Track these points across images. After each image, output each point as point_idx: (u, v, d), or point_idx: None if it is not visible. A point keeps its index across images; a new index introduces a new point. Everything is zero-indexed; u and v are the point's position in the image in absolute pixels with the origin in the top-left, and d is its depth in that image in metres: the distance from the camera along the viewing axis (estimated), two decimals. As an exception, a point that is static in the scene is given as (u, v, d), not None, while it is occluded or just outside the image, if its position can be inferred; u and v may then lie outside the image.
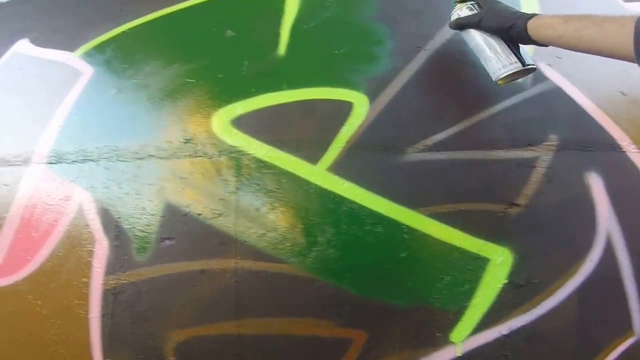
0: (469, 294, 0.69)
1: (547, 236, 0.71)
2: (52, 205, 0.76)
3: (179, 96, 0.75)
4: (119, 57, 0.85)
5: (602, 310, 0.72)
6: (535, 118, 0.73)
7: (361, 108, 0.70)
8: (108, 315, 0.72)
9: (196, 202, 0.70)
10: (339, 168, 0.68)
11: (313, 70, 0.73)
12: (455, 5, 0.69)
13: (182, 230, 0.70)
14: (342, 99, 0.70)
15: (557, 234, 0.72)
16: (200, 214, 0.69)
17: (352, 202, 0.68)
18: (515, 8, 0.65)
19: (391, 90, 0.71)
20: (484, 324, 0.69)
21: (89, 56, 0.87)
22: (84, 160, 0.76)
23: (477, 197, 0.70)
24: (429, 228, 0.68)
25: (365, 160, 0.69)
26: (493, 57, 0.65)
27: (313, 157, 0.69)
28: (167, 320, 0.71)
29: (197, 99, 0.74)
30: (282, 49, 0.76)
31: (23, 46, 0.96)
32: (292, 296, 0.69)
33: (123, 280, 0.71)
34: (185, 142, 0.72)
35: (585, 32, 0.53)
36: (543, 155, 0.72)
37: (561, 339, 0.73)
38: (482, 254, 0.69)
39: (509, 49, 0.64)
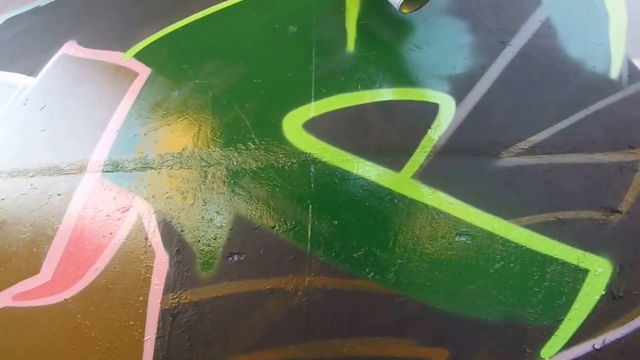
0: (565, 308, 0.62)
1: None
2: (108, 216, 0.71)
3: (246, 98, 0.70)
4: (176, 56, 0.81)
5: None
6: (637, 118, 0.65)
7: (447, 109, 0.63)
8: (165, 337, 0.66)
9: (268, 214, 0.64)
10: (426, 175, 0.62)
11: (390, 68, 0.67)
12: None
13: (252, 244, 0.63)
14: (425, 99, 0.64)
15: None
16: (272, 227, 0.63)
17: (440, 211, 0.61)
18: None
19: (479, 89, 0.64)
20: (577, 337, 0.62)
21: (142, 56, 0.83)
22: (144, 168, 0.71)
23: (576, 205, 0.63)
24: (525, 239, 0.61)
25: (455, 167, 0.62)
26: None
27: (396, 163, 0.62)
28: (229, 343, 0.64)
29: (266, 101, 0.69)
30: (351, 45, 0.70)
31: (71, 48, 0.93)
32: (368, 315, 0.61)
33: (184, 299, 0.65)
34: (255, 149, 0.66)
35: None
36: (646, 159, 0.64)
37: None
38: (581, 265, 0.62)
39: None
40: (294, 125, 0.67)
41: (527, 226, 0.60)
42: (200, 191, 0.67)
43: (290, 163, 0.65)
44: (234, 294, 0.64)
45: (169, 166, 0.70)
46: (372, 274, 0.60)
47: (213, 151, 0.68)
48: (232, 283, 0.64)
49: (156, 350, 0.66)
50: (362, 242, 0.61)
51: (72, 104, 0.84)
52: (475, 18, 0.71)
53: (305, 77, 0.70)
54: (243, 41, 0.79)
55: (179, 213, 0.67)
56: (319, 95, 0.67)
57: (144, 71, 0.79)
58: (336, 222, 0.62)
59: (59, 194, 0.77)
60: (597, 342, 0.62)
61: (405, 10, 0.63)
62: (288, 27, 0.77)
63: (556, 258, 0.61)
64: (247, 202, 0.65)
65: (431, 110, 0.64)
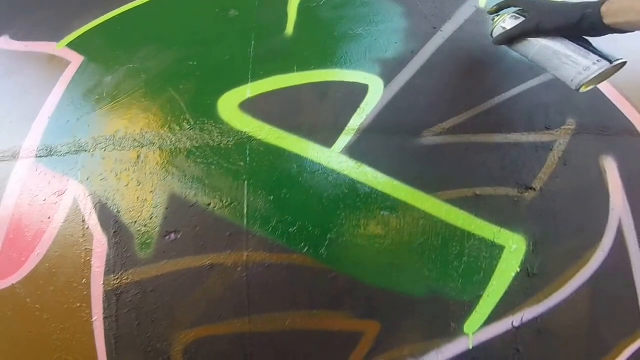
0: (483, 283, 0.67)
1: (559, 223, 0.69)
2: (45, 201, 0.71)
3: (181, 80, 0.71)
4: (110, 44, 0.80)
5: (612, 305, 0.71)
6: (554, 102, 0.72)
7: (376, 91, 0.67)
8: (112, 317, 0.67)
9: (204, 191, 0.65)
10: (354, 151, 0.65)
11: (325, 51, 0.70)
12: (494, 20, 0.64)
13: (189, 222, 0.65)
14: (356, 81, 0.67)
15: (569, 221, 0.70)
16: (209, 204, 0.65)
17: (367, 186, 0.65)
18: None
19: (407, 73, 0.68)
20: (496, 314, 0.67)
21: (76, 45, 0.82)
22: (77, 152, 0.71)
23: (493, 181, 0.68)
24: (445, 214, 0.66)
25: (381, 144, 0.66)
26: (567, 62, 0.55)
27: (327, 140, 0.66)
28: (175, 320, 0.66)
29: (201, 83, 0.70)
30: (290, 28, 0.72)
31: (3, 43, 0.90)
32: (304, 289, 0.65)
33: (126, 279, 0.66)
34: (190, 129, 0.67)
35: None
36: (560, 139, 0.70)
37: (571, 334, 0.72)
38: (497, 241, 0.67)
39: (583, 48, 0.55)
40: (229, 106, 0.68)
41: (447, 201, 0.65)
42: (134, 172, 0.68)
43: (225, 141, 0.66)
44: (174, 271, 0.66)
45: (102, 149, 0.70)
46: (306, 248, 0.64)
47: (146, 132, 0.69)
48: (171, 261, 0.66)
49: (106, 330, 0.67)
50: (296, 217, 0.64)
51: (1, 95, 0.82)
52: (412, 3, 0.75)
53: (243, 59, 0.71)
54: (181, 26, 0.79)
55: (114, 195, 0.68)
56: (256, 77, 0.69)
57: (76, 59, 0.78)
58: (272, 197, 0.64)
59: (-8, 184, 0.75)
60: (516, 319, 0.67)
61: (584, 89, 0.56)
62: (229, 11, 0.77)
63: (474, 233, 0.66)
64: (181, 181, 0.66)
65: (361, 91, 0.67)
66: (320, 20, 0.75)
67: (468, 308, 0.66)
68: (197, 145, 0.67)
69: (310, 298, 0.65)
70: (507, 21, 0.61)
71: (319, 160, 0.65)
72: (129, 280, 0.66)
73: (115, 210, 0.67)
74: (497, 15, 0.64)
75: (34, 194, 0.72)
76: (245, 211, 0.64)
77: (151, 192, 0.66)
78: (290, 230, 0.64)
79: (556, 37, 0.56)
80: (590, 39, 0.57)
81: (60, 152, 0.71)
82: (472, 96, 0.70)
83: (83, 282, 0.68)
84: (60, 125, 0.73)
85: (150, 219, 0.66)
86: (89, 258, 0.67)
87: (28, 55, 0.83)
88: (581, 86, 0.55)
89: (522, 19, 0.59)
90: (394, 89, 0.67)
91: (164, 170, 0.67)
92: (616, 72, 0.55)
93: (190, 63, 0.72)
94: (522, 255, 0.67)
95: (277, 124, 0.67)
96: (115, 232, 0.66)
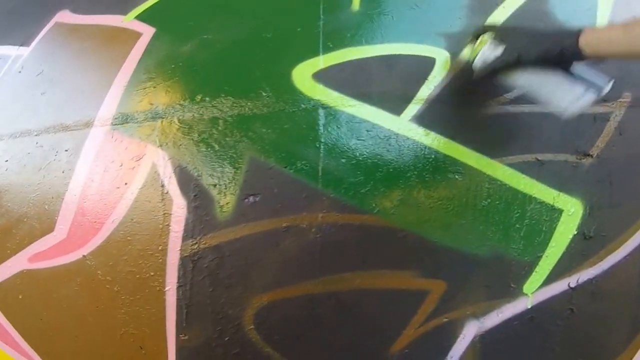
0: (543, 245, 0.71)
1: (615, 188, 0.74)
2: (121, 166, 0.74)
3: (256, 50, 0.74)
4: (180, 15, 0.83)
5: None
6: (612, 76, 0.75)
7: (443, 63, 0.71)
8: (186, 285, 0.70)
9: (280, 155, 0.69)
10: (423, 120, 0.69)
11: (392, 25, 0.73)
12: (472, 50, 0.65)
13: (267, 185, 0.69)
14: (424, 54, 0.71)
15: (624, 187, 0.74)
16: (285, 167, 0.68)
17: (435, 151, 0.69)
18: (545, 21, 0.64)
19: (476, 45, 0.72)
20: (554, 275, 0.71)
21: (145, 17, 0.84)
22: (154, 119, 0.74)
23: (553, 148, 0.72)
24: (508, 178, 0.70)
25: (447, 113, 0.70)
26: (557, 91, 0.56)
27: (397, 109, 0.69)
28: (249, 284, 0.69)
29: (275, 54, 0.74)
30: (356, 3, 0.76)
31: (65, 16, 0.93)
32: (374, 248, 0.69)
33: (204, 244, 0.69)
34: (266, 96, 0.71)
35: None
36: (617, 111, 0.74)
37: (623, 296, 0.76)
38: (556, 204, 0.71)
39: (567, 76, 0.55)
40: (303, 76, 0.72)
41: (510, 165, 0.69)
42: (213, 137, 0.71)
43: (300, 108, 0.70)
44: (252, 234, 0.69)
45: (180, 115, 0.73)
46: (377, 209, 0.67)
47: (225, 99, 0.72)
48: (249, 224, 0.69)
49: (179, 300, 0.70)
50: (368, 179, 0.68)
51: (71, 67, 0.85)
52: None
53: (314, 32, 0.75)
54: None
55: (193, 159, 0.71)
56: (327, 49, 0.73)
57: (147, 31, 0.81)
58: (344, 160, 0.68)
59: (66, 150, 0.78)
60: (572, 280, 0.72)
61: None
62: (295, -16, 0.80)
63: (535, 197, 0.70)
64: (260, 145, 0.70)
65: (428, 63, 0.71)
66: None
67: (528, 269, 0.70)
68: (274, 111, 0.70)
69: (380, 257, 0.69)
70: (486, 52, 0.61)
71: (388, 127, 0.69)
72: (206, 245, 0.69)
73: (195, 174, 0.70)
74: (472, 43, 0.66)
75: (110, 159, 0.75)
76: (320, 173, 0.68)
77: (230, 156, 0.70)
78: (362, 191, 0.68)
79: (537, 66, 0.56)
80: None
81: (137, 119, 0.75)
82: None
83: (159, 249, 0.71)
84: (135, 93, 0.76)
85: (230, 182, 0.69)
86: (167, 223, 0.70)
87: (96, 28, 0.86)
88: (575, 113, 0.56)
89: (501, 47, 0.59)
90: (461, 61, 0.71)
91: (242, 135, 0.70)
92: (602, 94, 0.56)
93: (264, 35, 0.75)
94: (579, 219, 0.71)
95: (348, 93, 0.70)
96: (195, 195, 0.70)
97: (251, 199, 0.69)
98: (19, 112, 0.84)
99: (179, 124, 0.73)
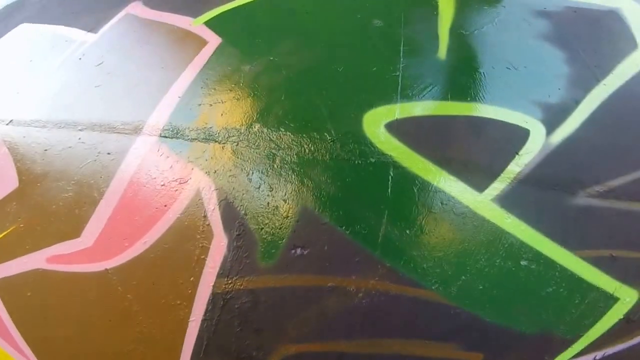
0: (589, 326, 0.67)
1: None
2: (163, 186, 0.69)
3: (325, 84, 0.68)
4: (250, 29, 0.78)
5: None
6: None
7: (537, 138, 0.64)
8: (213, 320, 0.66)
9: (338, 211, 0.63)
10: (505, 200, 0.62)
11: (483, 84, 0.66)
12: None
13: (318, 240, 0.63)
14: (517, 123, 0.64)
15: None
16: (341, 226, 0.62)
17: (512, 236, 0.62)
18: None
19: (570, 123, 0.65)
20: (586, 350, 0.68)
21: (214, 24, 0.79)
22: (207, 140, 0.69)
23: (629, 246, 0.67)
24: (578, 268, 0.65)
25: (534, 197, 0.63)
26: None
27: (479, 184, 0.62)
28: (280, 333, 0.65)
29: (346, 92, 0.67)
30: (442, 52, 0.69)
31: (137, 8, 0.88)
32: (423, 321, 0.65)
33: (239, 285, 0.64)
34: (331, 140, 0.64)
35: None
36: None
37: None
38: (616, 294, 0.67)
39: None
40: (375, 124, 0.65)
41: (583, 258, 0.63)
42: (267, 175, 0.65)
43: (368, 162, 0.64)
44: (293, 286, 0.64)
45: (234, 142, 0.68)
46: (436, 285, 0.62)
47: (284, 134, 0.66)
48: (292, 276, 0.64)
49: (201, 331, 0.65)
50: (432, 255, 0.62)
51: (132, 63, 0.80)
52: (574, 50, 0.71)
53: (392, 75, 0.68)
54: (323, 24, 0.76)
55: (242, 194, 0.66)
56: (405, 98, 0.66)
57: (214, 40, 0.76)
58: (409, 232, 0.62)
59: (108, 153, 0.74)
60: (599, 354, 0.69)
61: None
62: (373, 20, 0.74)
63: (597, 286, 0.66)
64: (317, 196, 0.64)
65: (521, 135, 0.64)
66: (475, 49, 0.71)
67: (566, 345, 0.67)
68: (337, 160, 0.64)
69: (426, 329, 0.65)
70: None
71: (467, 203, 0.62)
72: (242, 287, 0.64)
73: (242, 212, 0.65)
74: None
75: (152, 175, 0.70)
76: (380, 240, 0.62)
77: (283, 200, 0.64)
78: (424, 266, 0.62)
79: None
80: None
81: (188, 136, 0.69)
82: (631, 160, 0.66)
83: (190, 279, 0.66)
84: (191, 107, 0.71)
85: (279, 229, 0.64)
86: (203, 256, 0.65)
87: (162, 27, 0.81)
88: None
89: None
90: (556, 139, 0.64)
91: (299, 179, 0.64)
92: None
93: (335, 67, 0.69)
94: (630, 306, 0.67)
95: (425, 153, 0.64)
96: (238, 234, 0.65)
97: (298, 251, 0.63)
98: (69, 102, 0.80)
99: (231, 151, 0.68)
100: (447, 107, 0.65)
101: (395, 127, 0.65)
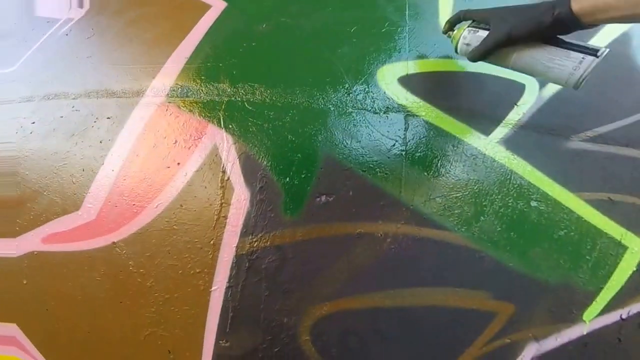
0: (606, 277, 0.73)
1: None
2: (175, 143, 0.67)
3: (339, 44, 0.71)
4: (257, -8, 0.78)
5: None
6: None
7: (532, 91, 0.71)
8: (238, 286, 0.63)
9: (360, 157, 0.65)
10: (509, 143, 0.69)
11: (480, 44, 0.73)
12: (451, 37, 0.63)
13: (342, 186, 0.64)
14: (513, 79, 0.71)
15: None
16: (364, 171, 0.65)
17: (521, 177, 0.68)
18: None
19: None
20: (609, 306, 0.74)
21: (217, -10, 0.79)
22: (220, 96, 0.68)
23: (624, 189, 0.75)
24: (584, 212, 0.72)
25: (534, 141, 0.70)
26: (553, 65, 0.54)
27: (485, 129, 0.68)
28: (310, 292, 0.64)
29: (360, 50, 0.71)
30: (443, 15, 0.75)
31: None
32: (451, 266, 0.67)
33: (265, 243, 0.63)
34: (348, 93, 0.67)
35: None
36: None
37: None
38: (623, 241, 0.74)
39: (562, 48, 0.53)
40: (389, 78, 0.69)
41: (586, 201, 0.70)
42: (286, 127, 0.66)
43: (386, 112, 0.67)
44: (320, 237, 0.64)
45: (251, 99, 0.68)
46: (458, 227, 0.65)
47: (300, 89, 0.68)
48: (318, 225, 0.64)
49: (225, 301, 0.63)
50: (451, 195, 0.66)
51: (127, 33, 0.77)
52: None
53: (400, 36, 0.73)
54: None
55: (263, 147, 0.66)
56: (413, 56, 0.71)
57: (218, 4, 0.76)
58: (427, 173, 0.66)
59: (108, 117, 0.70)
60: (624, 312, 0.74)
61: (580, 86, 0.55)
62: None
63: (605, 232, 0.73)
64: (338, 144, 0.66)
65: (518, 88, 0.71)
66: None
67: (590, 298, 0.72)
68: (356, 110, 0.67)
69: (456, 275, 0.67)
70: (467, 36, 0.59)
71: (476, 145, 0.67)
72: (267, 244, 0.63)
73: (263, 164, 0.64)
74: (451, 31, 0.64)
75: (162, 135, 0.68)
76: (402, 183, 0.65)
77: (304, 150, 0.65)
78: (444, 207, 0.65)
79: (529, 42, 0.54)
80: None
81: (200, 95, 0.68)
82: (614, 111, 0.76)
83: (211, 242, 0.64)
84: (200, 67, 0.70)
85: (303, 177, 0.64)
86: (224, 214, 0.64)
87: None
88: (579, 85, 0.54)
89: (482, 30, 0.58)
90: (548, 93, 0.72)
91: (318, 129, 0.66)
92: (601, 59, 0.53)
93: (346, 29, 0.73)
94: (639, 257, 0.74)
95: (435, 103, 0.69)
96: (261, 187, 0.64)
97: (323, 198, 0.64)
98: (57, 74, 0.75)
99: (248, 106, 0.67)
100: (450, 64, 0.71)
101: (407, 81, 0.69)
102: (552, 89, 0.73)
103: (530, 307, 0.69)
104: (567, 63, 0.53)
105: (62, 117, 0.72)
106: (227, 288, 0.63)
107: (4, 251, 0.69)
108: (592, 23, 0.51)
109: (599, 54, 0.52)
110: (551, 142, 0.71)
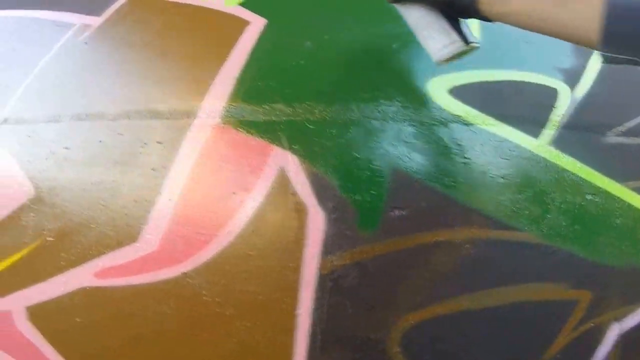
0: None
1: None
2: (238, 169, 0.65)
3: (386, 59, 0.74)
4: (293, 10, 0.79)
5: None
6: None
7: (564, 94, 0.78)
8: (323, 307, 0.62)
9: (425, 168, 0.67)
10: (556, 144, 0.75)
11: (513, 55, 0.79)
12: None
13: (414, 198, 0.66)
14: (547, 84, 0.78)
15: None
16: (432, 181, 0.67)
17: (573, 174, 0.74)
18: None
19: (586, 81, 0.81)
20: None
21: (252, 5, 0.78)
22: (279, 117, 0.68)
23: None
24: (633, 199, 0.78)
25: (576, 139, 0.77)
26: (434, 35, 0.57)
27: (533, 132, 0.73)
28: (395, 304, 0.64)
29: (407, 65, 0.74)
30: (477, 32, 0.80)
31: None
32: (527, 263, 0.70)
33: (346, 261, 0.63)
34: (403, 107, 0.69)
35: (546, 10, 0.47)
36: None
37: None
38: None
39: (449, 26, 0.56)
40: (439, 91, 0.73)
41: (632, 189, 0.78)
42: (350, 144, 0.67)
43: (441, 122, 0.70)
44: (398, 250, 0.65)
45: (310, 117, 0.68)
46: (528, 226, 0.69)
47: (358, 105, 0.69)
48: (395, 239, 0.65)
49: (313, 324, 0.61)
50: (517, 197, 0.70)
51: (159, 45, 0.74)
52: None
53: (442, 49, 0.76)
54: (368, 4, 0.81)
55: (331, 165, 0.66)
56: (457, 69, 0.75)
57: (256, 21, 0.76)
58: (491, 177, 0.69)
59: (158, 142, 0.66)
60: None
61: (442, 63, 0.59)
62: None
63: None
64: (402, 157, 0.67)
65: (552, 93, 0.78)
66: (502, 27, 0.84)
67: None
68: (414, 123, 0.69)
69: (534, 271, 0.71)
70: None
71: (530, 148, 0.72)
72: (348, 262, 0.63)
73: (334, 183, 0.64)
74: None
75: (222, 159, 0.66)
76: (469, 190, 0.68)
77: (372, 164, 0.66)
78: (513, 209, 0.69)
79: (434, 9, 0.57)
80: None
81: (256, 115, 0.67)
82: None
83: (290, 265, 0.62)
84: (252, 87, 0.69)
85: (375, 193, 0.65)
86: (301, 237, 0.62)
87: (186, 7, 0.77)
88: (440, 58, 0.58)
89: None
90: (579, 94, 0.80)
91: (381, 144, 0.67)
92: (472, 50, 0.59)
93: (390, 43, 0.75)
94: None
95: (486, 111, 0.73)
96: (334, 206, 0.64)
97: (397, 212, 0.65)
98: (83, 89, 0.70)
99: (309, 125, 0.67)
100: (492, 75, 0.76)
101: (456, 93, 0.73)
102: (581, 91, 0.80)
103: (605, 292, 0.75)
104: (442, 39, 0.56)
105: (101, 141, 0.67)
106: (313, 310, 0.61)
107: (49, 289, 0.63)
108: (488, 15, 0.52)
109: (469, 42, 0.57)
110: (591, 139, 0.78)
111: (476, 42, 0.57)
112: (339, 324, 0.62)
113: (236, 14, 0.77)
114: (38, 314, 0.64)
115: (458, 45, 0.56)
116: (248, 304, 0.61)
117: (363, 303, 0.63)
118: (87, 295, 0.62)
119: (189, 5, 0.79)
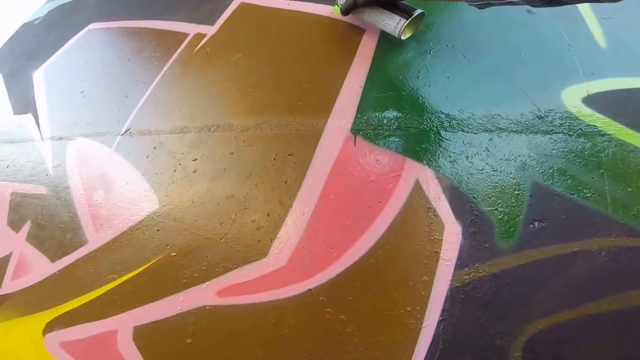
0: None
1: None
2: (372, 181, 0.65)
3: (512, 67, 0.72)
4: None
5: None
6: None
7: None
8: (452, 318, 0.63)
9: (566, 181, 0.66)
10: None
11: (633, 61, 0.75)
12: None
13: (553, 210, 0.65)
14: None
15: None
16: (572, 194, 0.65)
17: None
18: None
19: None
20: None
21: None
22: (407, 129, 0.67)
23: None
24: None
25: None
26: (384, 23, 0.73)
27: (669, 140, 0.70)
28: (526, 311, 0.64)
29: (540, 75, 0.71)
30: (599, 39, 0.77)
31: None
32: None
33: (481, 273, 0.63)
34: (539, 118, 0.68)
35: None
36: None
37: None
38: None
39: (389, 12, 0.73)
40: (573, 100, 0.70)
41: None
42: (486, 156, 0.66)
43: (579, 133, 0.68)
44: (536, 260, 0.64)
45: (442, 128, 0.67)
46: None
47: (490, 116, 0.68)
48: (534, 250, 0.64)
49: (436, 336, 0.62)
50: (654, 208, 0.67)
51: (277, 55, 0.74)
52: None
53: (570, 59, 0.74)
54: (495, 15, 0.79)
55: (468, 178, 0.65)
56: (589, 77, 0.72)
57: (370, 28, 0.75)
58: (630, 189, 0.67)
59: (290, 154, 0.67)
60: None
61: (404, 37, 0.74)
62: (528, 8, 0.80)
63: None
64: (541, 169, 0.66)
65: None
66: (622, 34, 0.80)
67: None
68: (551, 134, 0.68)
69: None
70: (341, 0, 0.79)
71: (667, 158, 0.69)
72: (483, 273, 0.63)
73: (472, 196, 0.64)
74: None
75: (355, 172, 0.66)
76: (609, 200, 0.66)
77: (512, 178, 0.65)
78: (649, 218, 0.67)
79: (372, 5, 0.74)
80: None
81: (387, 127, 0.67)
82: None
83: (423, 279, 0.63)
84: (378, 97, 0.69)
85: (514, 206, 0.64)
86: (436, 250, 0.63)
87: (294, 14, 0.77)
88: (399, 35, 0.72)
89: None
90: None
91: (519, 156, 0.66)
92: (421, 19, 0.75)
93: (520, 54, 0.73)
94: None
95: (620, 121, 0.70)
96: (472, 220, 0.63)
97: (537, 224, 0.64)
98: (206, 98, 0.71)
99: (443, 136, 0.67)
100: (623, 83, 0.73)
101: (590, 102, 0.70)
102: None
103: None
104: (391, 22, 0.72)
105: (231, 153, 0.68)
106: (440, 321, 0.62)
107: (164, 308, 0.64)
108: None
109: (410, 15, 0.72)
110: None
111: (417, 11, 0.72)
112: (465, 333, 0.63)
113: (346, 20, 0.76)
114: (144, 335, 0.64)
115: (403, 22, 0.71)
116: (372, 320, 0.62)
117: (494, 312, 0.63)
118: (205, 316, 0.63)
119: (298, 12, 0.79)
